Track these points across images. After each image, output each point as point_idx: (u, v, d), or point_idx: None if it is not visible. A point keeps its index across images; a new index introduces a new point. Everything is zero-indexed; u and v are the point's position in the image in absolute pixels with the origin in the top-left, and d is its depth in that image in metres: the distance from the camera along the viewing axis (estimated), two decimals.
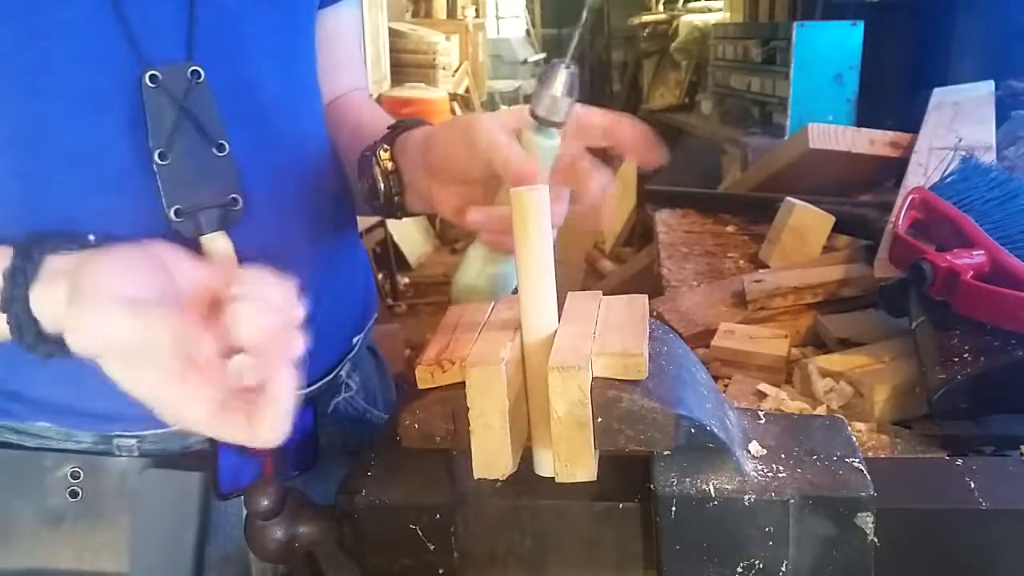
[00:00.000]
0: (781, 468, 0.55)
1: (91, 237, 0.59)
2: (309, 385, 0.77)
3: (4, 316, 0.53)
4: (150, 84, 0.63)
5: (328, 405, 0.81)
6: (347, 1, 0.86)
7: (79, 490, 0.68)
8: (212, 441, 0.70)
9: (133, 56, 0.63)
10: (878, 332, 1.18)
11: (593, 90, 9.91)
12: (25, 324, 0.52)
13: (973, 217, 1.08)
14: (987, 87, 1.90)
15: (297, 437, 0.73)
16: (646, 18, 6.61)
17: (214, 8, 0.66)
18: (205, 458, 0.70)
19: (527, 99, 0.67)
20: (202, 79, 0.65)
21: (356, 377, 0.84)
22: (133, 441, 0.70)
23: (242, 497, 0.73)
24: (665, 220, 1.99)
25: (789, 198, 1.63)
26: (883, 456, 0.92)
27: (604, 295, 0.63)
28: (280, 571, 0.77)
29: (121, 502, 0.68)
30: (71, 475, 0.68)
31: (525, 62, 8.11)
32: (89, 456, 0.69)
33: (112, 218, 0.63)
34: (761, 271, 1.49)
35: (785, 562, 0.54)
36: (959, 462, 0.60)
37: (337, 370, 0.82)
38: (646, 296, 0.63)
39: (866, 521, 0.53)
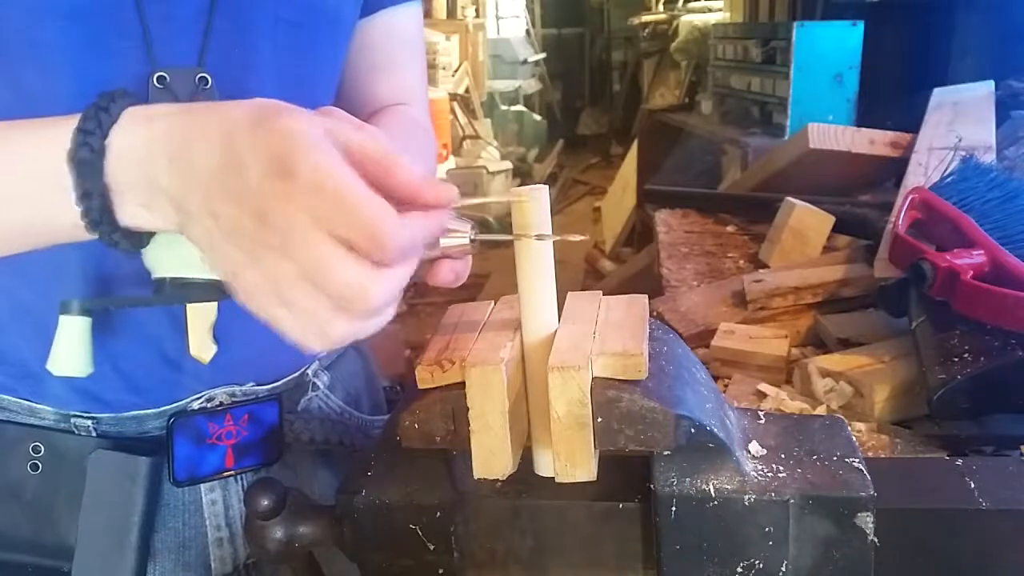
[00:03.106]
0: (781, 468, 0.55)
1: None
2: (274, 381, 0.79)
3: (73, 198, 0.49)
4: (157, 85, 0.63)
5: (296, 402, 0.82)
6: (393, 9, 0.84)
7: (40, 464, 0.71)
8: (168, 429, 0.72)
9: (144, 54, 0.63)
10: (878, 332, 1.18)
11: (593, 90, 9.93)
12: (93, 186, 0.49)
13: (973, 217, 1.08)
14: (987, 87, 1.90)
15: (260, 430, 0.75)
16: (646, 18, 6.61)
17: (232, 20, 0.66)
18: (161, 445, 0.72)
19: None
20: (209, 85, 0.65)
21: (325, 377, 0.85)
22: (90, 422, 0.72)
23: (200, 485, 0.75)
24: (665, 220, 1.99)
25: (789, 198, 1.63)
26: (883, 456, 0.92)
27: (604, 295, 0.63)
28: (244, 560, 0.77)
29: (79, 479, 0.70)
30: (32, 449, 0.71)
31: (525, 62, 8.10)
32: (50, 432, 0.72)
33: None
34: (761, 271, 1.49)
35: (785, 562, 0.54)
36: (959, 462, 0.60)
37: (304, 369, 0.82)
38: (646, 296, 0.63)
39: (866, 521, 0.53)
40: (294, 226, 0.44)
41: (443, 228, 0.51)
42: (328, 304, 0.46)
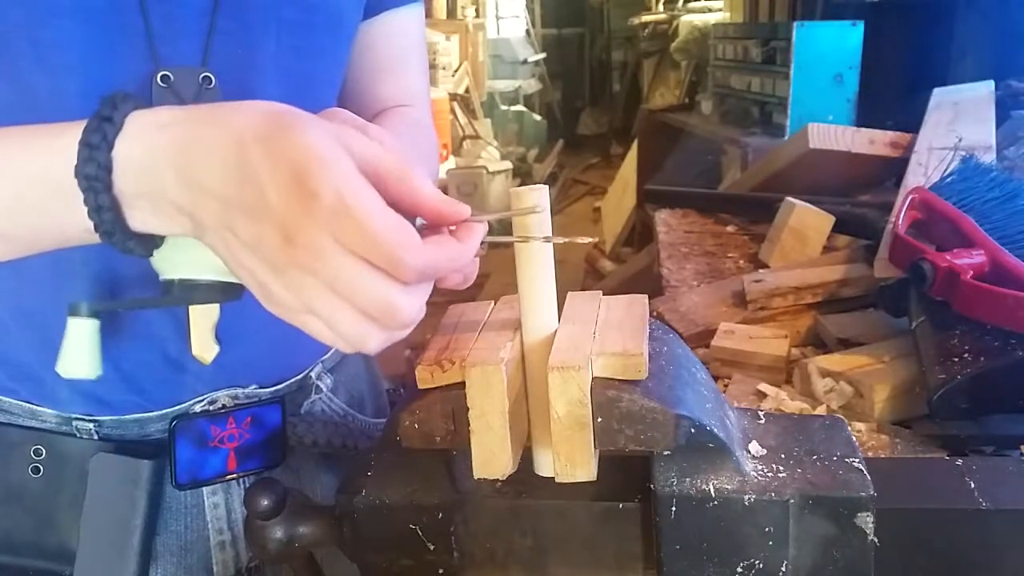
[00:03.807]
0: (781, 468, 0.55)
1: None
2: (276, 384, 0.78)
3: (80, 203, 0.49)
4: (161, 84, 0.63)
5: (299, 405, 0.82)
6: (396, 10, 0.84)
7: (41, 467, 0.71)
8: (170, 432, 0.71)
9: (148, 53, 0.63)
10: (878, 332, 1.18)
11: (593, 90, 9.93)
12: (103, 201, 0.48)
13: (973, 217, 1.08)
14: (987, 87, 1.90)
15: (262, 433, 0.75)
16: (646, 18, 6.61)
17: (235, 20, 0.66)
18: (162, 447, 0.72)
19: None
20: (213, 85, 0.65)
21: (328, 379, 0.85)
22: (91, 425, 0.72)
23: (202, 488, 0.75)
24: (665, 220, 1.99)
25: (789, 198, 1.63)
26: (883, 456, 0.92)
27: (604, 295, 0.63)
28: (246, 563, 0.77)
29: (81, 482, 0.70)
30: (34, 452, 0.71)
31: (525, 62, 8.10)
32: (51, 435, 0.71)
33: None
34: (761, 271, 1.49)
35: (785, 562, 0.54)
36: (959, 462, 0.60)
37: (307, 371, 0.82)
38: (646, 296, 0.63)
39: (866, 521, 0.53)
40: (319, 246, 0.45)
41: (469, 255, 0.51)
42: (359, 316, 0.47)
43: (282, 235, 0.45)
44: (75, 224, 0.50)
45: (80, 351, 0.58)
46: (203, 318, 0.60)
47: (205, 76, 0.65)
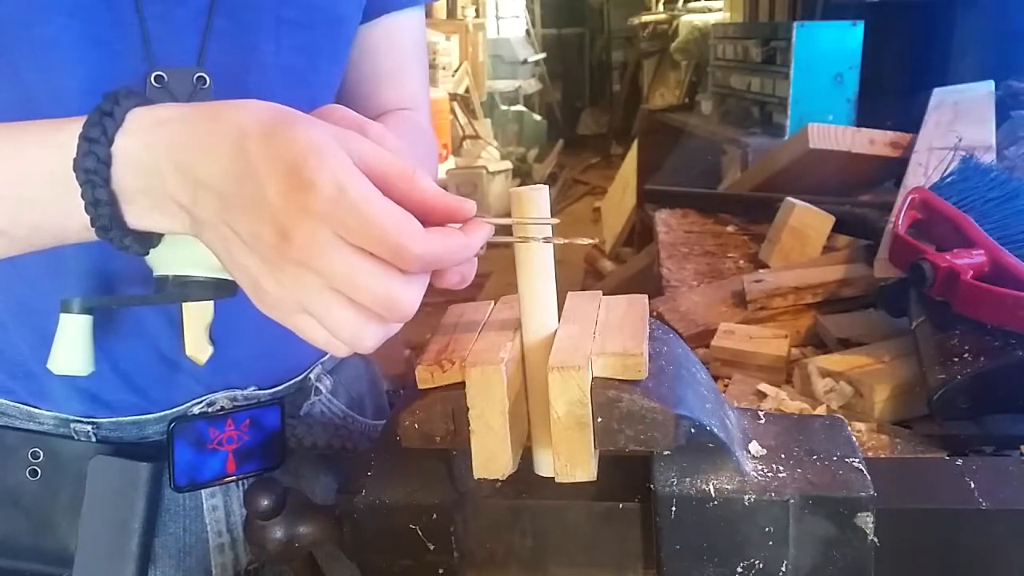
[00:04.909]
0: (781, 468, 0.55)
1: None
2: (275, 386, 0.78)
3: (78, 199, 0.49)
4: (154, 84, 0.63)
5: (299, 407, 0.81)
6: (396, 13, 0.83)
7: (39, 470, 0.71)
8: (169, 434, 0.71)
9: (143, 53, 0.63)
10: (878, 332, 1.18)
11: (593, 90, 9.93)
12: (100, 195, 0.48)
13: (973, 217, 1.08)
14: (987, 87, 1.90)
15: (262, 435, 0.74)
16: (646, 18, 6.61)
17: (232, 20, 0.65)
18: (161, 450, 0.72)
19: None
20: (208, 85, 0.65)
21: (328, 381, 0.84)
22: (89, 427, 0.72)
23: (201, 491, 0.74)
24: (665, 220, 1.99)
25: (789, 198, 1.63)
26: (883, 456, 0.92)
27: (604, 295, 0.63)
28: (245, 566, 0.77)
29: (79, 485, 0.70)
30: (31, 455, 0.71)
31: (525, 62, 8.10)
32: (49, 438, 0.71)
33: None
34: (761, 271, 1.49)
35: (785, 562, 0.54)
36: (959, 462, 0.60)
37: (307, 373, 0.82)
38: (646, 296, 0.63)
39: (866, 521, 0.53)
40: (317, 240, 0.45)
41: (474, 250, 0.50)
42: (359, 314, 0.47)
43: (279, 230, 0.45)
44: (73, 220, 0.50)
45: (72, 347, 0.58)
46: (197, 318, 0.60)
47: (199, 76, 0.65)
